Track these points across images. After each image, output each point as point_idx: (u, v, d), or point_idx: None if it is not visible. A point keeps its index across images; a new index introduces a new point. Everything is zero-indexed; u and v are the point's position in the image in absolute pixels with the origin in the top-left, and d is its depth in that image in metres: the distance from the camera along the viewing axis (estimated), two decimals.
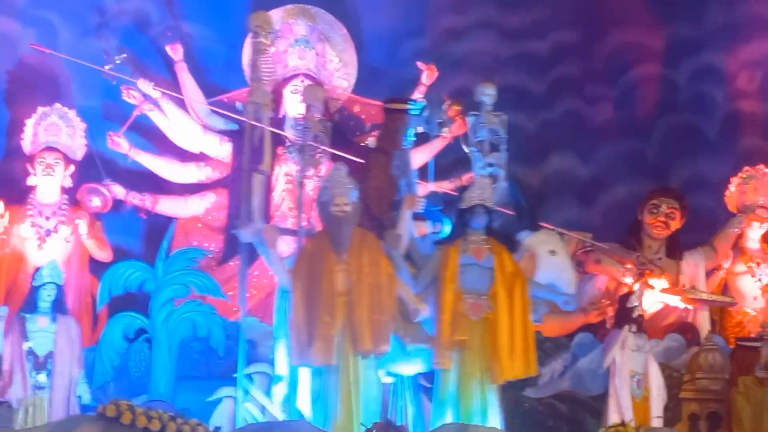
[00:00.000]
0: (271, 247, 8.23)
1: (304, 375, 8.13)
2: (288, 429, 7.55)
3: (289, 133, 10.17)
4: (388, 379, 8.36)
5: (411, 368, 8.41)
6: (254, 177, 8.64)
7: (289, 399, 8.27)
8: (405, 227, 8.51)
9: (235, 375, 8.63)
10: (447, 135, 10.22)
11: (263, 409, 8.37)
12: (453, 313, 8.20)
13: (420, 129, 9.70)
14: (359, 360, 7.99)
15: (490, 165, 9.27)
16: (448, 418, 8.01)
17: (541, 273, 8.83)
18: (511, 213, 9.61)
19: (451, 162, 10.30)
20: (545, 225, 9.80)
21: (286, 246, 9.23)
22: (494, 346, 8.18)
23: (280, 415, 8.18)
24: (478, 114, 9.54)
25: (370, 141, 10.66)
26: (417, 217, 8.84)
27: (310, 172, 9.02)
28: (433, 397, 8.35)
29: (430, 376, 8.42)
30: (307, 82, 10.42)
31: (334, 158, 9.28)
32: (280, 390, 8.41)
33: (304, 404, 8.10)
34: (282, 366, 8.39)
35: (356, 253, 8.10)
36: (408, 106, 9.58)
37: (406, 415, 8.39)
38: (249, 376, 8.58)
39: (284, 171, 10.32)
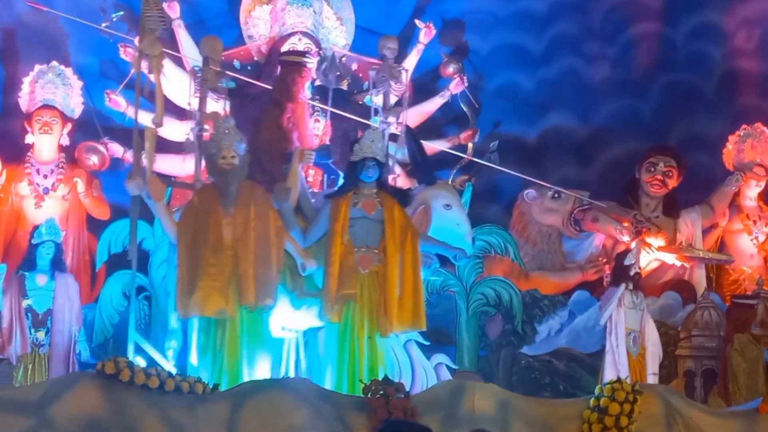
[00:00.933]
0: (158, 200, 8.13)
1: (194, 328, 8.09)
2: (287, 386, 7.57)
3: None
4: (285, 334, 8.28)
5: (303, 322, 8.33)
6: (146, 130, 8.51)
7: (182, 352, 8.29)
8: (295, 180, 8.42)
9: None
10: (445, 95, 10.22)
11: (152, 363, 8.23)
12: (342, 266, 8.10)
13: (318, 81, 9.73)
14: (246, 313, 7.95)
15: (388, 119, 9.33)
16: (330, 372, 8.02)
17: (434, 227, 8.77)
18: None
19: (450, 119, 10.30)
20: (540, 182, 9.87)
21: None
22: (383, 299, 8.12)
23: (173, 369, 8.06)
24: (379, 67, 9.56)
25: (367, 98, 10.64)
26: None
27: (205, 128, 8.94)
28: (324, 350, 8.27)
29: None
30: (305, 40, 10.38)
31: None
32: (172, 345, 8.43)
33: (194, 359, 8.08)
34: (173, 321, 8.39)
35: (244, 206, 8.01)
36: (304, 59, 9.57)
37: (298, 371, 8.32)
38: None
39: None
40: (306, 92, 9.56)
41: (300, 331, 8.35)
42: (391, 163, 9.07)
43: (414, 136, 9.48)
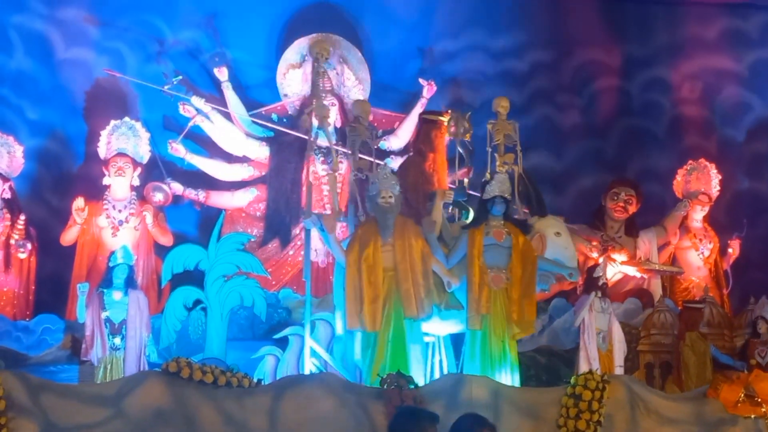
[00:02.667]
0: (330, 232, 8.22)
1: (358, 336, 8.06)
2: (318, 380, 7.50)
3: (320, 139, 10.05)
4: (428, 339, 8.29)
5: (445, 329, 8.35)
6: (328, 176, 8.55)
7: (346, 356, 8.24)
8: (438, 214, 8.47)
9: (275, 336, 8.62)
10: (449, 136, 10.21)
11: (325, 364, 8.27)
12: (481, 284, 8.13)
13: (448, 137, 9.70)
14: (404, 324, 7.95)
15: (506, 164, 9.24)
16: (477, 371, 7.95)
17: (548, 251, 8.72)
18: (526, 210, 9.51)
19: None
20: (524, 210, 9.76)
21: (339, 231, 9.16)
22: (513, 311, 8.15)
23: (337, 370, 8.11)
24: (494, 122, 9.52)
25: (381, 143, 10.62)
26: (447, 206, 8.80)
27: (361, 171, 8.94)
28: (464, 353, 8.25)
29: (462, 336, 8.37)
30: (330, 97, 10.37)
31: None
32: (339, 348, 8.37)
33: (358, 360, 8.07)
34: (339, 327, 8.33)
35: (399, 236, 8.06)
36: (441, 118, 9.57)
37: (441, 369, 8.31)
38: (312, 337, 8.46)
39: (312, 170, 10.19)
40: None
41: (440, 336, 8.34)
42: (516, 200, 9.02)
43: (529, 177, 9.44)
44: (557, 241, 8.77)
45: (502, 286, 8.17)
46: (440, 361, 8.33)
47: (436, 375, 8.14)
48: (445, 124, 9.49)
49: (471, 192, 9.90)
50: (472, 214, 9.00)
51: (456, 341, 8.45)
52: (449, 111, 9.88)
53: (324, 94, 8.77)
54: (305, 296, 8.66)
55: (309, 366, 8.15)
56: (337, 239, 8.28)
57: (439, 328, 8.29)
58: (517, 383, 7.97)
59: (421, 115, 9.80)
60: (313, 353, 8.24)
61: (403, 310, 7.95)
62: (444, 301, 8.18)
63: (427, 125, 9.54)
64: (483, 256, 8.19)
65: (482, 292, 8.11)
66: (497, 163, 9.16)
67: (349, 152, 9.05)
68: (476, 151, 9.90)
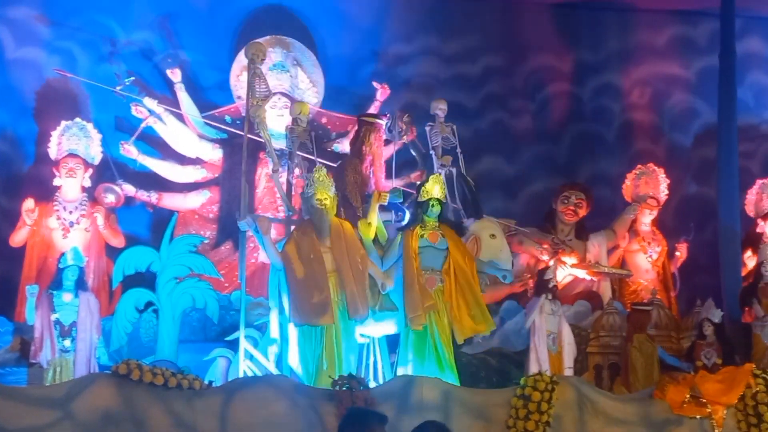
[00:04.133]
0: (265, 234, 8.18)
1: (293, 337, 8.07)
2: (270, 382, 7.52)
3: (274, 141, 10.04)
4: (363, 340, 8.33)
5: (380, 330, 8.38)
6: (272, 177, 8.58)
7: (281, 357, 8.22)
8: (374, 216, 8.49)
9: (227, 338, 8.61)
10: (399, 142, 10.20)
11: (260, 367, 8.25)
12: (420, 284, 8.17)
13: (385, 137, 9.72)
14: (341, 324, 7.96)
15: (443, 166, 9.28)
16: (413, 371, 8.00)
17: (483, 252, 8.79)
18: (456, 206, 9.59)
19: (402, 163, 10.27)
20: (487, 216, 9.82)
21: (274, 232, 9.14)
22: (452, 312, 8.20)
23: (274, 370, 8.10)
24: (432, 125, 9.55)
25: (335, 146, 10.62)
26: (382, 208, 8.78)
27: (296, 173, 8.95)
28: (399, 354, 8.29)
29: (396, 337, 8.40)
30: (284, 99, 10.36)
31: (312, 162, 9.21)
32: (273, 350, 8.34)
33: (294, 361, 8.06)
34: (275, 330, 8.31)
35: (336, 238, 8.08)
36: (377, 120, 9.58)
37: (375, 369, 8.35)
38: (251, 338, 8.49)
39: (265, 171, 10.19)
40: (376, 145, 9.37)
41: (374, 338, 8.36)
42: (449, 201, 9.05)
43: (466, 179, 9.47)
44: (492, 243, 8.83)
45: (435, 288, 8.22)
46: (374, 363, 8.36)
47: (370, 376, 8.16)
48: (383, 126, 9.52)
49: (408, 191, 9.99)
50: (486, 224, 9.10)
51: (390, 342, 8.48)
52: (387, 114, 9.94)
53: (260, 96, 8.73)
54: (256, 298, 8.66)
55: (243, 368, 8.12)
56: (271, 241, 8.24)
57: (373, 330, 8.31)
58: (455, 383, 8.00)
59: (358, 117, 9.78)
60: (248, 355, 8.21)
61: (349, 312, 7.96)
62: (378, 303, 8.22)
63: (365, 127, 9.47)
64: (419, 258, 8.24)
65: (423, 292, 8.15)
66: (435, 165, 9.25)
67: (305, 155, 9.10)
68: (403, 154, 10.00)
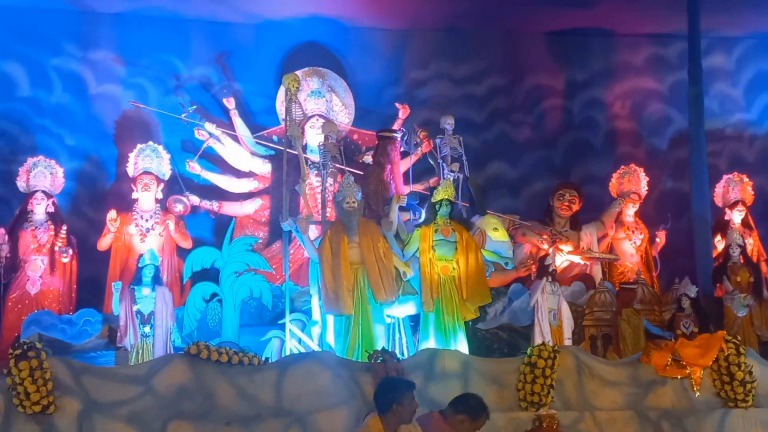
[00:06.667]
0: (303, 233, 8.24)
1: (331, 320, 8.11)
2: (316, 358, 7.53)
3: (312, 155, 10.07)
4: (389, 320, 8.33)
5: (403, 311, 8.39)
6: (300, 185, 8.62)
7: (322, 336, 8.27)
8: (394, 216, 8.50)
9: (280, 322, 8.62)
10: (418, 152, 10.20)
11: (304, 345, 8.31)
12: (432, 272, 8.19)
13: (402, 148, 9.72)
14: (370, 308, 7.97)
15: (452, 172, 9.28)
16: (432, 345, 7.99)
17: (488, 244, 8.85)
18: (465, 204, 9.59)
19: (422, 170, 10.27)
20: (491, 212, 9.80)
21: (313, 232, 9.18)
22: (460, 295, 8.22)
23: (316, 348, 8.13)
24: (442, 137, 9.54)
25: (366, 158, 10.63)
26: (402, 209, 8.80)
27: (330, 181, 8.95)
28: (420, 331, 8.31)
29: (418, 317, 8.39)
30: (321, 120, 10.37)
31: (343, 171, 9.24)
32: (315, 330, 8.39)
33: (330, 339, 8.10)
34: (316, 313, 8.36)
35: (363, 234, 8.09)
36: (393, 134, 9.57)
37: (401, 344, 8.35)
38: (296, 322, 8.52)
39: (307, 182, 10.20)
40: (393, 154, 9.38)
41: (398, 318, 8.39)
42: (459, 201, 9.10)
43: (473, 181, 9.51)
44: (495, 236, 8.90)
45: (449, 274, 8.23)
46: (400, 339, 8.36)
47: (397, 350, 8.14)
48: (398, 139, 9.51)
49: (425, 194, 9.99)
50: (490, 219, 9.09)
51: (413, 321, 8.48)
52: (402, 128, 9.95)
53: (296, 118, 8.84)
54: (303, 287, 8.66)
55: (289, 346, 8.16)
56: (309, 239, 8.29)
57: (397, 311, 8.33)
58: (466, 353, 7.98)
59: (377, 133, 9.78)
60: (293, 335, 8.26)
61: (374, 296, 7.97)
62: (401, 289, 8.24)
63: (383, 141, 9.53)
64: (433, 250, 8.24)
65: (433, 280, 8.17)
66: (445, 172, 9.26)
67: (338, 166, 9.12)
68: (423, 161, 10.00)
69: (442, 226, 8.39)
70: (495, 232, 8.91)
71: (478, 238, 8.78)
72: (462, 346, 8.12)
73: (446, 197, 8.43)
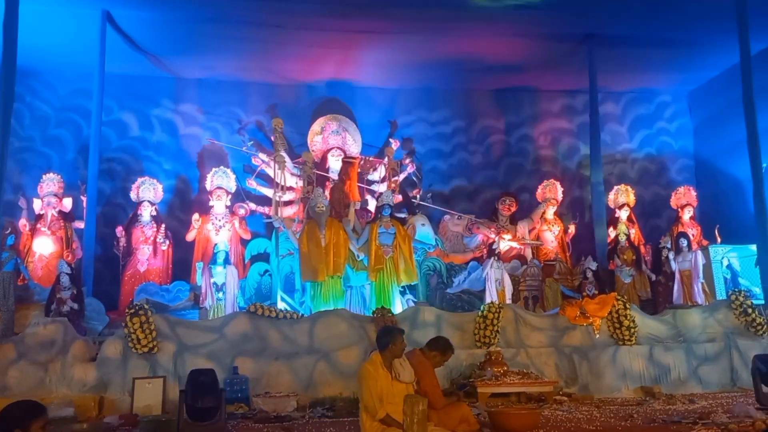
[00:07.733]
0: (287, 228, 8.37)
1: (308, 286, 8.10)
2: (336, 313, 7.50)
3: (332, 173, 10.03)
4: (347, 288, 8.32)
5: (358, 281, 8.39)
6: (273, 219, 8.70)
7: (304, 300, 8.25)
8: (352, 216, 8.66)
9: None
10: (406, 171, 10.13)
11: (292, 307, 8.29)
12: (376, 255, 8.19)
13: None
14: (334, 278, 8.02)
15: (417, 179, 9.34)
16: (374, 305, 7.99)
17: (417, 234, 8.91)
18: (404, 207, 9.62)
19: (409, 183, 10.21)
20: (449, 211, 9.80)
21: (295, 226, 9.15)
22: (396, 270, 8.22)
23: (298, 309, 8.14)
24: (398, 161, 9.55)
25: (369, 176, 10.57)
26: (363, 209, 8.92)
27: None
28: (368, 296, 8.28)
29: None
30: (338, 151, 10.34)
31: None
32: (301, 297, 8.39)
33: (308, 301, 8.10)
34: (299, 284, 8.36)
35: (329, 228, 8.13)
36: (354, 160, 9.62)
37: (358, 304, 8.30)
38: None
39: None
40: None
41: (354, 286, 8.38)
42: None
43: (407, 194, 9.61)
44: (422, 228, 9.05)
45: (388, 256, 8.29)
46: (358, 299, 8.36)
47: (355, 309, 8.11)
48: (356, 163, 9.59)
49: (422, 203, 9.93)
50: (419, 217, 9.08)
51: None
52: (361, 156, 9.97)
53: (281, 148, 9.02)
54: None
55: (281, 306, 8.08)
56: (292, 231, 8.40)
57: (355, 280, 8.36)
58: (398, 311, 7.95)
59: (343, 158, 9.84)
60: (284, 300, 8.31)
61: (336, 270, 8.02)
62: (357, 266, 8.28)
63: (344, 164, 9.66)
64: (378, 239, 8.29)
65: (379, 259, 8.20)
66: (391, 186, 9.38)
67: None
68: (409, 179, 9.99)
69: (384, 222, 8.39)
70: (423, 226, 8.98)
71: (410, 230, 8.82)
72: (397, 305, 8.11)
73: (387, 203, 8.50)
